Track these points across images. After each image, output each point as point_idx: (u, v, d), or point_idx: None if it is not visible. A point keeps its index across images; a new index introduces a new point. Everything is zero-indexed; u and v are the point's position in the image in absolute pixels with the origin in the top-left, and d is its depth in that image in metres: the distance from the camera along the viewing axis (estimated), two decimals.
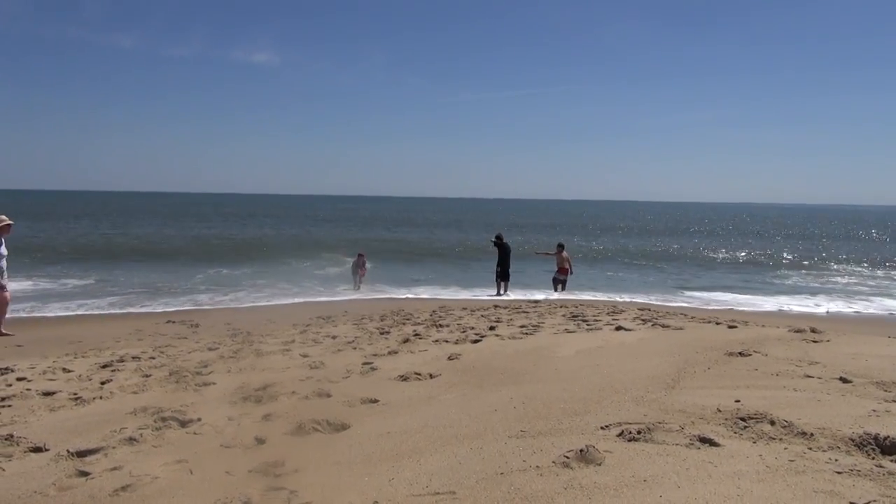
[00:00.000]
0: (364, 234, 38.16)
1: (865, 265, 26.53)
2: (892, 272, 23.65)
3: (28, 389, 4.86)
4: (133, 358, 6.38)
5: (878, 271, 24.29)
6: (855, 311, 14.34)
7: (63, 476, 2.91)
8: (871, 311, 14.58)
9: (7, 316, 9.16)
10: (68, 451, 3.20)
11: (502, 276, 16.21)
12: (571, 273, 17.08)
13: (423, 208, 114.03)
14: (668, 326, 6.45)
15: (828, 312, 13.98)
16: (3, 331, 9.15)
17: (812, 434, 2.66)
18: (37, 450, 3.33)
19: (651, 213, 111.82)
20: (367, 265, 18.53)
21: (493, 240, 16.70)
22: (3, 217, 9.24)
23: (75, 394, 4.67)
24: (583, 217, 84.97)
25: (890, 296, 17.40)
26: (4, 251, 9.05)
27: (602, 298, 15.16)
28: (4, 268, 9.06)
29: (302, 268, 21.73)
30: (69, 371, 5.73)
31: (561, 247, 17.29)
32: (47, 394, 4.71)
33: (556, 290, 16.69)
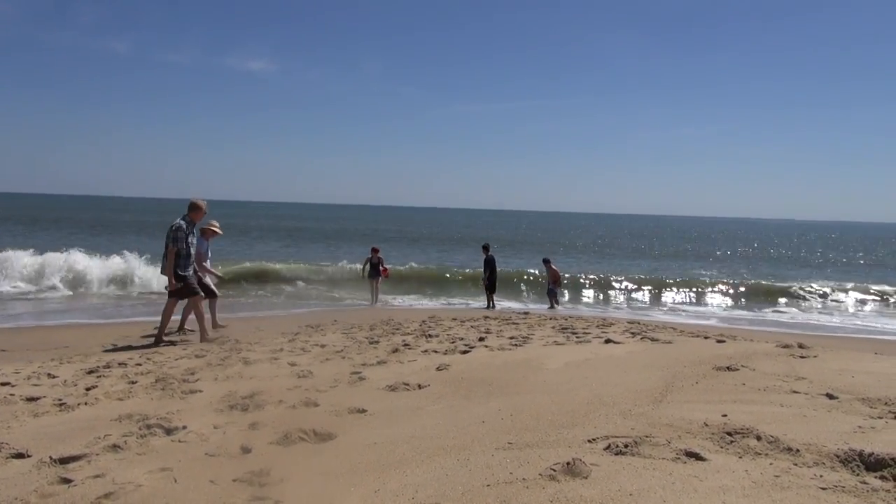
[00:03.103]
0: (354, 248, 37.83)
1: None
2: None
3: (11, 395, 4.81)
4: (119, 364, 6.33)
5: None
6: None
7: (45, 483, 2.88)
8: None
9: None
10: (51, 458, 3.16)
11: (490, 289, 16.23)
12: (560, 285, 17.18)
13: (416, 218, 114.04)
14: (656, 340, 6.46)
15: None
16: (220, 322, 10.03)
17: (798, 450, 2.67)
18: (19, 456, 3.29)
19: (651, 227, 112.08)
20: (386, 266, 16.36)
21: (483, 252, 16.65)
22: (215, 223, 9.98)
23: (60, 400, 4.62)
24: (579, 231, 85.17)
25: None
26: (209, 253, 10.01)
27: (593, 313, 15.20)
28: (209, 266, 10.01)
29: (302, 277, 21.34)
30: (54, 376, 5.67)
31: (546, 261, 17.43)
32: (31, 399, 4.66)
33: (551, 304, 16.77)
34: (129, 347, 8.13)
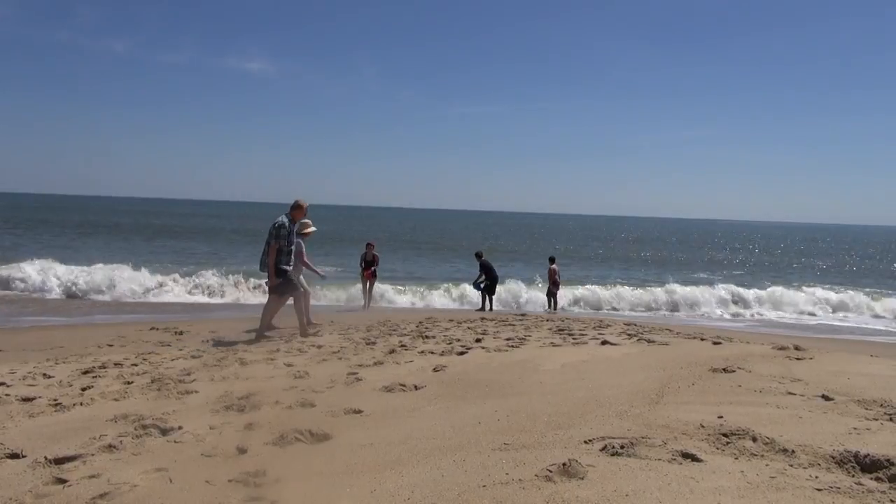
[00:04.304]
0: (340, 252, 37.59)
1: None
2: None
3: (7, 395, 4.79)
4: (115, 364, 6.30)
5: None
6: None
7: (40, 483, 2.87)
8: None
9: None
10: (46, 458, 3.15)
11: (489, 291, 16.15)
12: (558, 287, 17.18)
13: (414, 220, 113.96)
14: (653, 342, 6.47)
15: None
16: (313, 320, 9.76)
17: (793, 451, 2.68)
18: (14, 456, 3.28)
19: (651, 229, 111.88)
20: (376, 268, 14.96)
21: (480, 260, 16.30)
22: (308, 221, 9.96)
23: (55, 400, 4.60)
24: (579, 233, 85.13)
25: None
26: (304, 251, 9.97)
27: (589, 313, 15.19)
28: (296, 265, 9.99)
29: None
30: (50, 377, 5.65)
31: (551, 260, 17.39)
32: (26, 399, 4.65)
33: (549, 305, 16.79)
34: (125, 348, 8.11)
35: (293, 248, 8.78)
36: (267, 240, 8.60)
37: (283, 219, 8.64)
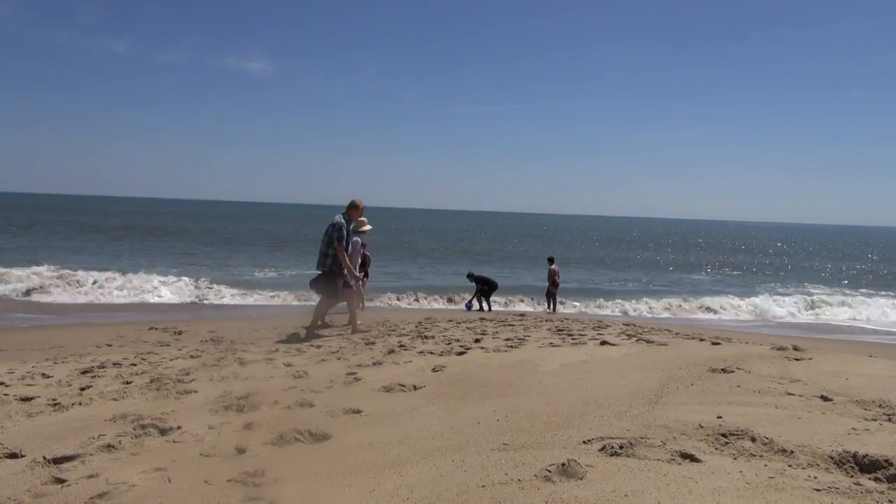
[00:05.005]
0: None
1: None
2: None
3: (6, 395, 4.78)
4: (114, 364, 6.30)
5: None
6: None
7: (38, 483, 2.87)
8: None
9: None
10: (45, 458, 3.15)
11: (486, 295, 16.16)
12: (557, 287, 17.19)
13: (413, 220, 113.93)
14: (652, 342, 6.47)
15: None
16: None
17: (792, 451, 2.68)
18: (12, 456, 3.27)
19: (650, 231, 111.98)
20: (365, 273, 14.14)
21: (473, 279, 16.40)
22: (364, 220, 10.13)
23: (54, 399, 4.60)
24: (577, 234, 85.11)
25: None
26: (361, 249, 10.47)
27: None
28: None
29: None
30: (48, 376, 5.65)
31: (550, 260, 17.41)
32: (25, 399, 4.64)
33: (548, 305, 16.81)
34: (124, 347, 8.11)
35: (350, 248, 8.92)
36: (327, 241, 8.58)
37: (341, 219, 8.62)
